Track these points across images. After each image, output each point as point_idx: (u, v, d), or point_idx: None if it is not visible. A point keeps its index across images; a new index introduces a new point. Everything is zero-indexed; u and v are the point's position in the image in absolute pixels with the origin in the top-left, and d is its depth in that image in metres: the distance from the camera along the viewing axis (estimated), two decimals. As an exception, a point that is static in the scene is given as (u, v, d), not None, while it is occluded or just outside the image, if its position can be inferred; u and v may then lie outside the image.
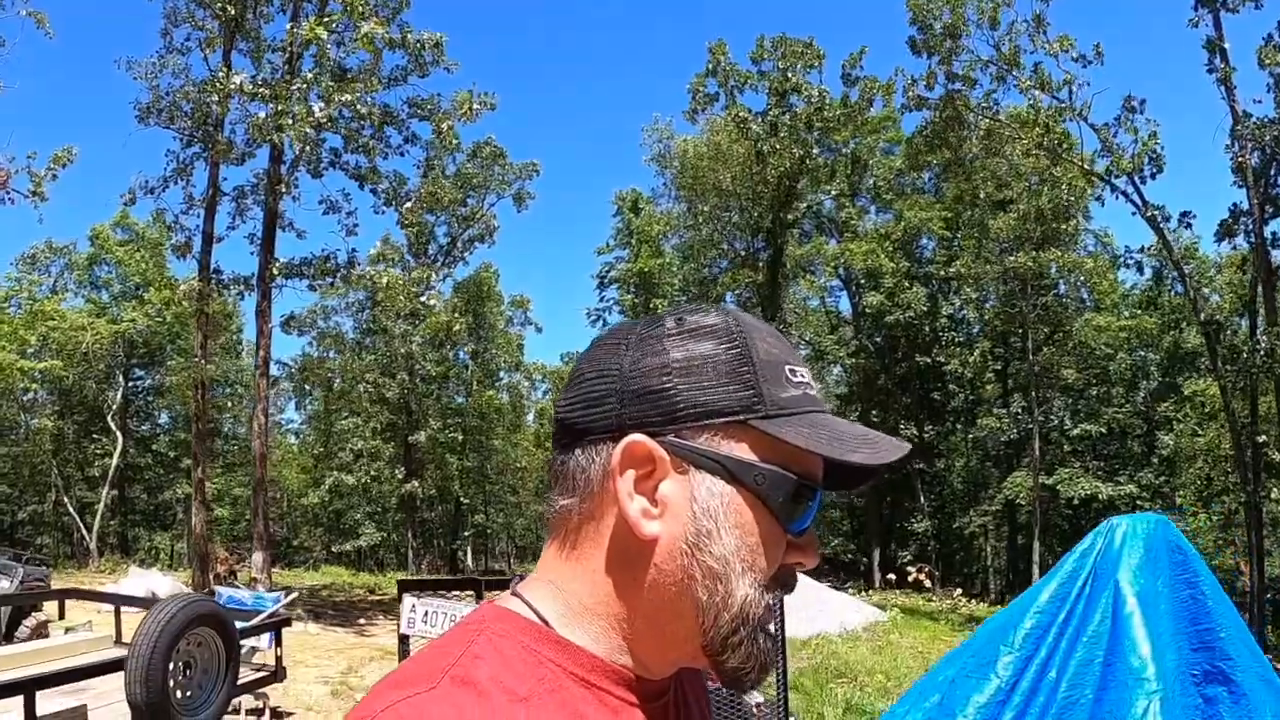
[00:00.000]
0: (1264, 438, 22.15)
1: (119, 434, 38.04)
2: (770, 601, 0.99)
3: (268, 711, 10.67)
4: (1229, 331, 24.79)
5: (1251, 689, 3.55)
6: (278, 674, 9.05)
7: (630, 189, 42.62)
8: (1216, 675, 3.62)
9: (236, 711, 10.64)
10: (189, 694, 7.01)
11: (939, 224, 37.86)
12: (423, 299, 21.92)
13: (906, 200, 38.76)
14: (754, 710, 7.27)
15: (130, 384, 43.22)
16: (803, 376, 1.02)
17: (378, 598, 26.25)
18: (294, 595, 14.33)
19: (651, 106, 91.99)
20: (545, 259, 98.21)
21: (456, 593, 7.03)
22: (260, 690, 10.44)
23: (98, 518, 36.02)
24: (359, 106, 19.68)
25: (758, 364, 0.98)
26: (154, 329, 40.18)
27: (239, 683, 8.06)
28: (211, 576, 21.89)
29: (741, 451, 0.96)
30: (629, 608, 0.99)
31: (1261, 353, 22.04)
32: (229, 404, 45.58)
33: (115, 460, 37.69)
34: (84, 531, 35.79)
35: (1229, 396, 22.96)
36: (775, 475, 0.96)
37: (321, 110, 18.71)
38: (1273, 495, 21.32)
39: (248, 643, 9.47)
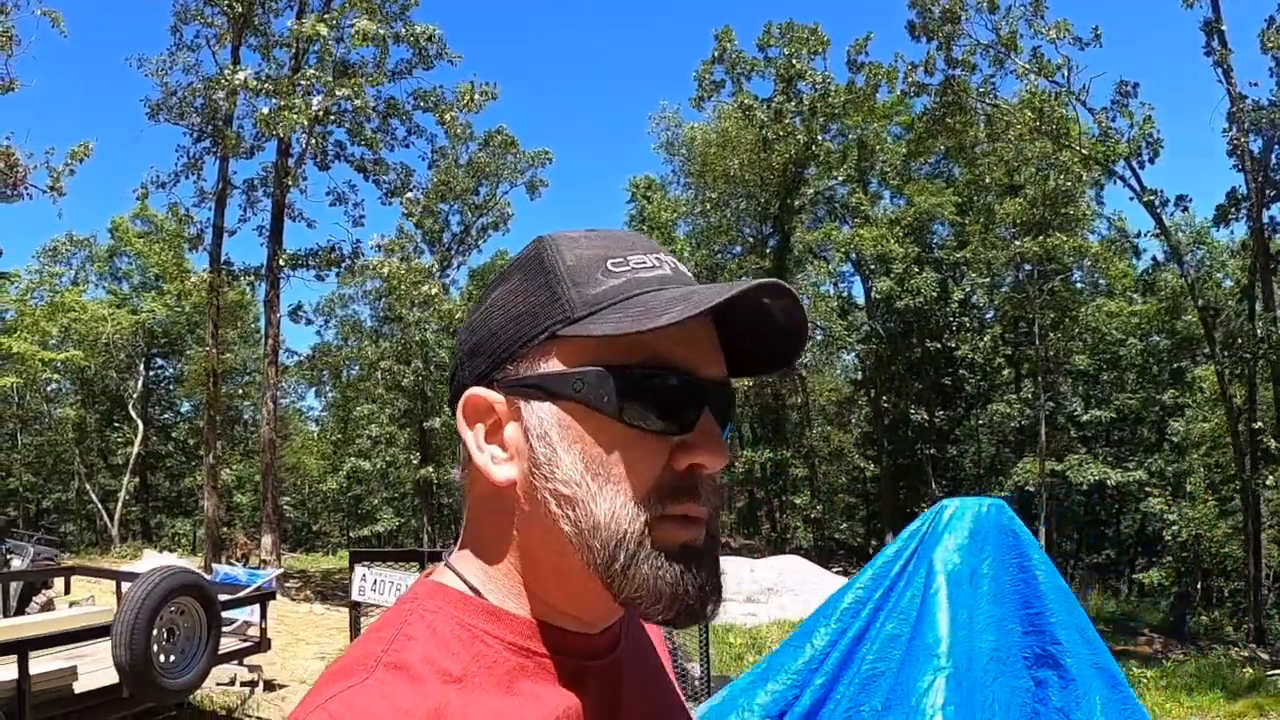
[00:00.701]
0: (1260, 425, 22.14)
1: (140, 422, 38.68)
2: (683, 514, 0.93)
3: (260, 683, 11.14)
4: (1230, 317, 24.80)
5: (1080, 674, 3.60)
6: (261, 645, 9.49)
7: (644, 175, 42.87)
8: (1047, 659, 3.66)
9: (231, 682, 11.13)
10: (172, 659, 7.43)
11: (951, 209, 37.94)
12: (424, 288, 22.30)
13: (916, 185, 38.85)
14: (696, 682, 7.58)
15: (151, 373, 43.89)
16: (630, 264, 0.97)
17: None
18: (279, 572, 14.88)
19: (663, 95, 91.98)
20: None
21: (403, 563, 7.43)
22: (255, 664, 10.94)
23: (119, 505, 36.67)
24: (357, 100, 20.10)
25: (564, 273, 0.96)
26: (173, 319, 40.81)
27: (222, 651, 8.52)
28: (225, 560, 22.42)
29: (554, 365, 0.94)
30: (525, 560, 0.97)
31: (1258, 339, 22.07)
32: (250, 392, 46.18)
33: (136, 448, 38.31)
34: (106, 518, 36.47)
35: (1226, 383, 23.02)
36: (592, 375, 0.92)
37: (319, 104, 19.16)
38: (1268, 483, 21.32)
39: (240, 616, 9.94)
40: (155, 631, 7.18)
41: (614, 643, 1.05)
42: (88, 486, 38.96)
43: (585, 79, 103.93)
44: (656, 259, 0.99)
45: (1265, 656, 17.20)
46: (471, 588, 0.98)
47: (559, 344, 0.94)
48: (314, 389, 51.20)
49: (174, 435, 45.66)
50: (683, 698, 1.22)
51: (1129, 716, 3.60)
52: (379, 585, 6.70)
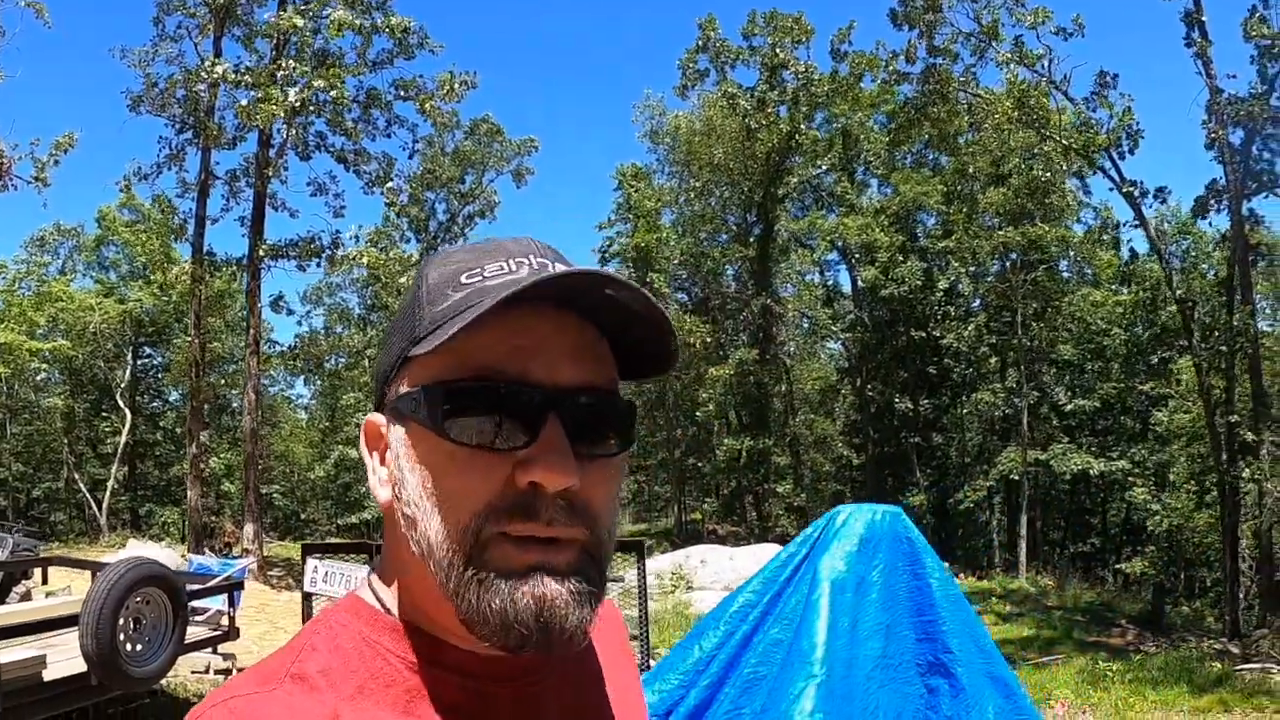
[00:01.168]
0: (1237, 417, 22.18)
1: (128, 411, 38.70)
2: (528, 534, 0.88)
3: (234, 671, 11.26)
4: (1215, 308, 24.86)
5: (972, 683, 3.61)
6: (230, 633, 9.62)
7: (631, 163, 42.94)
8: (939, 667, 3.67)
9: (206, 670, 11.26)
10: (138, 648, 7.56)
11: (937, 198, 38.08)
12: (403, 280, 22.39)
13: (902, 174, 38.95)
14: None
15: (139, 362, 43.84)
16: (484, 274, 0.94)
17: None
18: (251, 561, 15.00)
19: (649, 83, 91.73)
20: (549, 235, 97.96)
21: (354, 555, 7.55)
22: (230, 652, 11.07)
23: (107, 494, 36.73)
24: (334, 91, 20.17)
25: (423, 294, 0.95)
26: (160, 308, 40.78)
27: (190, 640, 8.64)
28: (209, 549, 22.53)
29: (404, 387, 0.94)
30: (411, 580, 0.96)
31: (1235, 331, 22.15)
32: (238, 380, 46.02)
33: (124, 437, 38.33)
34: (95, 508, 36.52)
35: (1204, 375, 23.10)
36: (420, 394, 0.91)
37: (296, 95, 19.25)
38: (1245, 475, 21.38)
39: (213, 605, 10.06)
40: (121, 621, 7.31)
41: (528, 668, 0.99)
42: (76, 476, 38.99)
43: (572, 67, 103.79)
44: (517, 263, 0.95)
45: (1236, 651, 17.24)
46: (383, 604, 0.98)
47: (410, 366, 0.93)
48: (303, 378, 51.31)
49: (162, 424, 45.60)
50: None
51: None
52: (330, 577, 6.84)
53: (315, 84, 20.10)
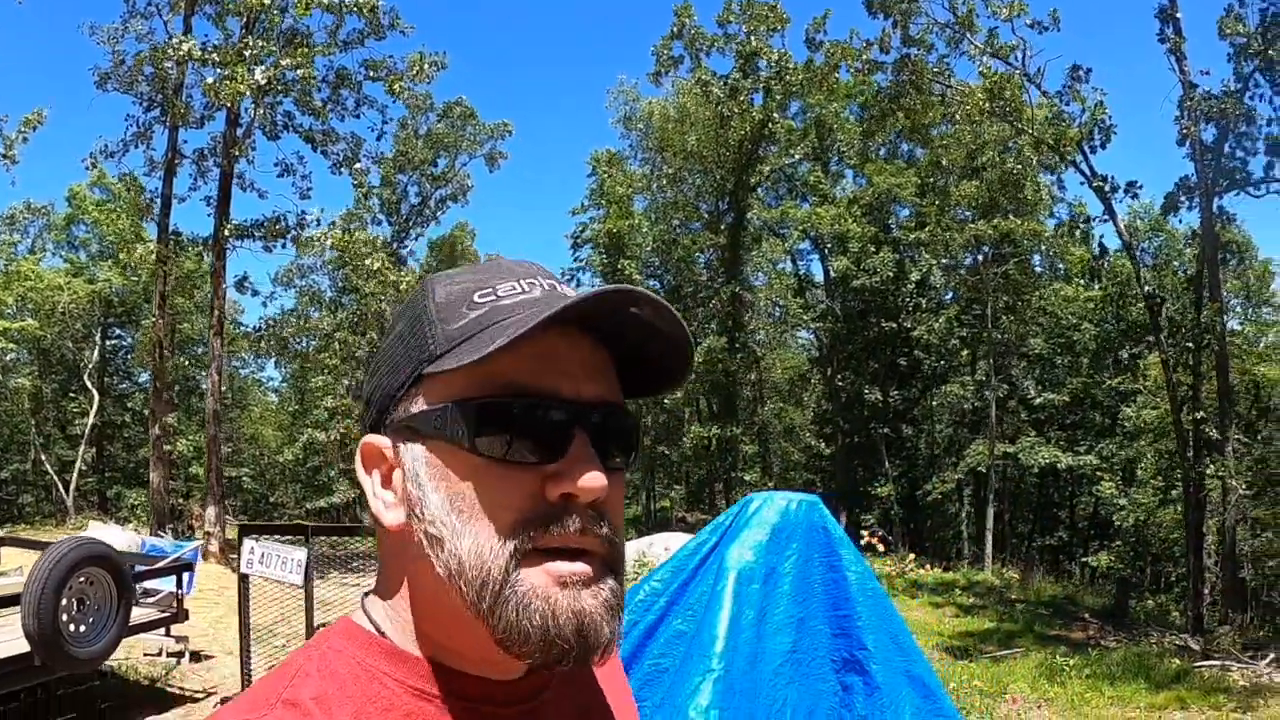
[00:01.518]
0: (1202, 414, 22.28)
1: (95, 393, 38.41)
2: (559, 546, 0.90)
3: (186, 654, 11.19)
4: (1186, 305, 24.91)
5: (888, 682, 3.52)
6: (179, 615, 9.54)
7: (605, 149, 42.82)
8: (854, 664, 3.58)
9: (159, 654, 11.18)
10: (81, 629, 7.50)
11: (911, 190, 38.12)
12: (369, 261, 22.24)
13: (875, 165, 38.97)
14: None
15: (108, 343, 43.53)
16: (497, 293, 0.96)
17: (337, 554, 26.73)
18: (200, 543, 14.98)
19: (624, 69, 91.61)
20: (522, 220, 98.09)
21: (291, 538, 7.50)
22: (183, 634, 10.98)
23: (75, 475, 36.47)
24: (300, 70, 20.02)
25: (433, 311, 0.96)
26: (130, 288, 40.44)
27: (137, 622, 8.57)
28: (170, 531, 22.38)
29: (421, 405, 0.93)
30: (420, 602, 0.96)
31: (1201, 328, 22.23)
32: (207, 361, 45.72)
33: (92, 419, 38.06)
34: (62, 490, 36.27)
35: (1171, 371, 23.18)
36: (449, 410, 0.91)
37: (262, 74, 19.09)
38: (1209, 472, 21.49)
39: (165, 586, 9.97)
40: (64, 601, 7.25)
41: (537, 689, 1.01)
42: (44, 457, 38.68)
43: (547, 52, 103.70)
44: (529, 283, 0.97)
45: (1197, 647, 17.27)
46: (378, 628, 0.97)
47: (426, 383, 0.93)
48: (273, 360, 51.03)
49: (130, 405, 45.28)
50: None
51: None
52: (266, 558, 6.79)
53: (283, 63, 19.95)
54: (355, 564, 15.84)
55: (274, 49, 20.62)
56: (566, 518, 0.89)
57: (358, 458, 0.99)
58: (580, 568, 0.89)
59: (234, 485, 45.44)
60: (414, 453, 0.93)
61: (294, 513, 46.76)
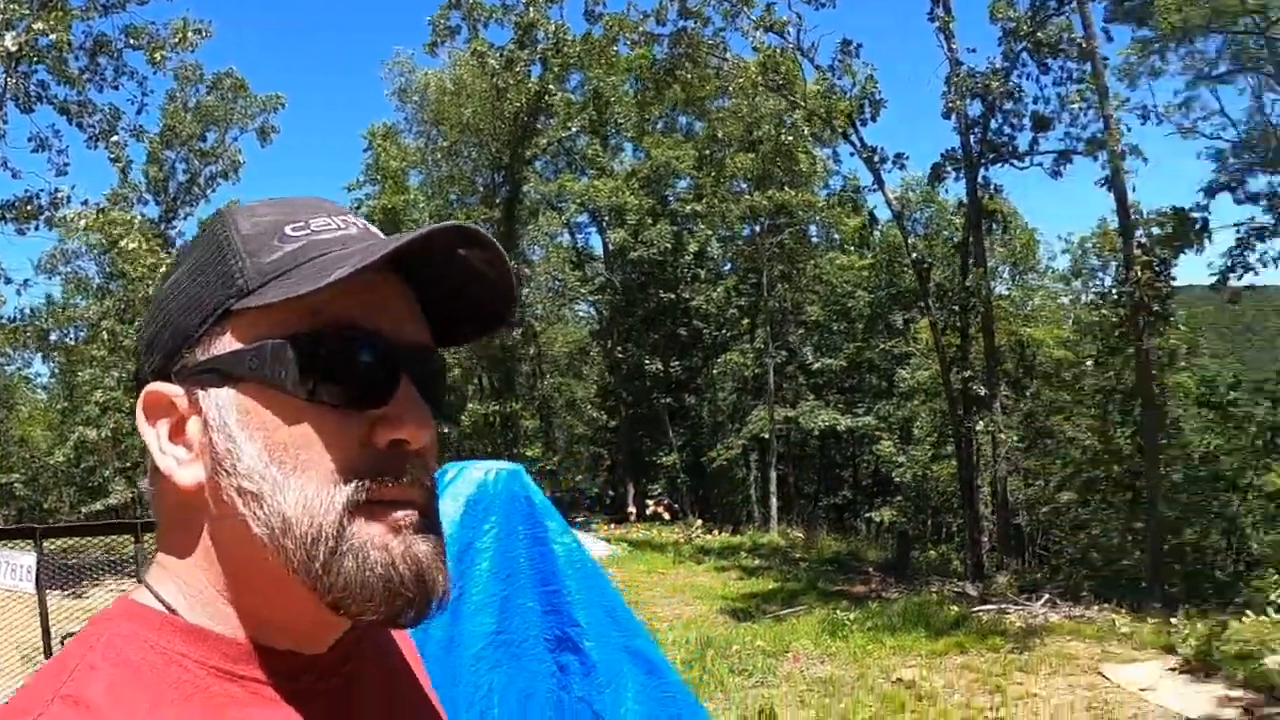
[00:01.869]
0: (970, 373, 23.33)
1: None
2: (392, 498, 0.83)
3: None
4: (955, 273, 25.99)
5: (604, 659, 3.33)
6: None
7: (381, 123, 41.74)
8: (568, 642, 3.37)
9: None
10: None
11: (689, 163, 38.49)
12: (124, 243, 21.04)
13: (653, 139, 39.28)
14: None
15: None
16: (311, 227, 0.88)
17: (113, 559, 25.46)
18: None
19: (402, 41, 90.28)
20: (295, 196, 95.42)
21: (13, 541, 7.08)
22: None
23: None
24: (53, 35, 18.69)
25: (238, 244, 0.86)
26: None
27: None
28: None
29: (229, 344, 0.84)
30: (224, 571, 0.85)
31: (968, 291, 23.34)
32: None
33: None
34: None
35: (940, 333, 24.17)
36: (268, 348, 0.82)
37: (13, 40, 17.78)
38: (979, 427, 22.63)
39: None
40: None
41: (343, 658, 0.93)
42: None
43: (322, 22, 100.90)
44: (342, 220, 0.90)
45: (975, 593, 17.98)
46: (168, 607, 0.86)
47: (234, 320, 0.84)
48: (40, 354, 48.07)
49: None
50: (438, 706, 1.12)
51: (669, 705, 3.36)
52: (-10, 565, 6.33)
53: (35, 26, 18.58)
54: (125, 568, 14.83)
55: (26, 12, 19.15)
56: (396, 466, 0.83)
57: (139, 410, 0.87)
58: (412, 513, 0.84)
59: (5, 492, 42.92)
60: (220, 399, 0.83)
61: (69, 518, 44.32)
